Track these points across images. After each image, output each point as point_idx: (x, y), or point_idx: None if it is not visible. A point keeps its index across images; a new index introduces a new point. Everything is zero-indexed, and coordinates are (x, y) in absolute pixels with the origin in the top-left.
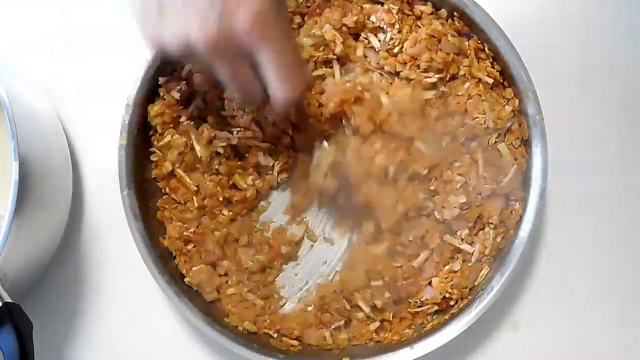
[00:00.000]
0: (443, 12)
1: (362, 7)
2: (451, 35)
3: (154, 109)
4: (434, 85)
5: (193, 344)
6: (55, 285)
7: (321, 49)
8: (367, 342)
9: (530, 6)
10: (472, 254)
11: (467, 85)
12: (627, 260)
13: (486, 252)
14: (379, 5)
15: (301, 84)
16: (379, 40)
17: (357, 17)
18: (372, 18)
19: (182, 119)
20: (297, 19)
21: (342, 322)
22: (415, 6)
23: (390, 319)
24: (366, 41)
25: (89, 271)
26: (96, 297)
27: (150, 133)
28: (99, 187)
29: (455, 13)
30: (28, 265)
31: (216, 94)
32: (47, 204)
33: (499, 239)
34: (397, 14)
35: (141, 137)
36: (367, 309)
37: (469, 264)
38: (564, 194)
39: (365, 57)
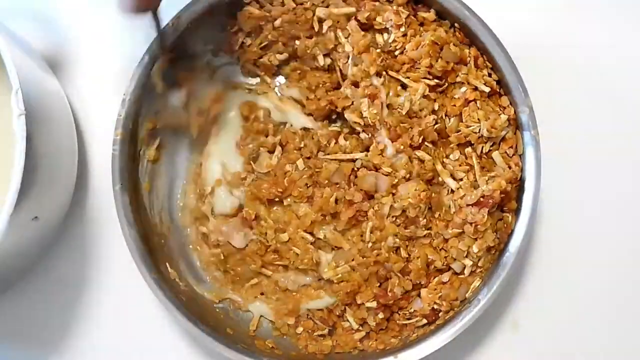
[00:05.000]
0: (446, 22)
1: (374, 4)
2: (453, 45)
3: None
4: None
5: (180, 341)
6: (52, 277)
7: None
8: (352, 350)
9: (532, 19)
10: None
11: (463, 89)
12: (622, 265)
13: (478, 264)
14: (389, 6)
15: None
16: (383, 41)
17: (369, 14)
18: (378, 19)
19: None
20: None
21: (325, 331)
22: (418, 12)
23: (377, 330)
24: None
25: (87, 263)
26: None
27: None
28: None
29: (456, 24)
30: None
31: None
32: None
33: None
34: (405, 18)
35: (136, 132)
36: (356, 326)
37: (459, 276)
38: (557, 201)
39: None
